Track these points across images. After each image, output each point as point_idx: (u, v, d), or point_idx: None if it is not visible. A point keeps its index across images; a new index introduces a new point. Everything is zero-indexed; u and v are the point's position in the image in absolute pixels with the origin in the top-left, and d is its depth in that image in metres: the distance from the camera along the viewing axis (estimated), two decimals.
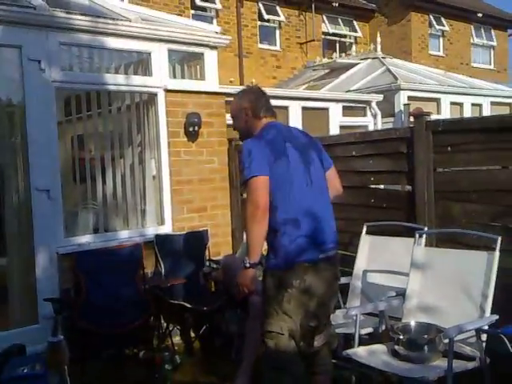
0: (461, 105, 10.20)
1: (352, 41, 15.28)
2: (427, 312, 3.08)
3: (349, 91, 9.66)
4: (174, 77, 5.05)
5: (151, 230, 4.74)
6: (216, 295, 4.38)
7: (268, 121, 2.81)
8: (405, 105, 9.18)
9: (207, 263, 4.72)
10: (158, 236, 4.63)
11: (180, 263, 4.61)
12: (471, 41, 16.56)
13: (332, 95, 8.49)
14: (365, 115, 8.94)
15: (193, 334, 4.58)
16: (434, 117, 9.33)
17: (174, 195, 4.83)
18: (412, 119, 9.25)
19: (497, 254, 2.88)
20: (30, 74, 4.04)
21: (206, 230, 4.87)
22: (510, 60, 17.79)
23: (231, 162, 5.18)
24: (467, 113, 10.23)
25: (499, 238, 2.89)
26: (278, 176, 2.58)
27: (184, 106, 4.86)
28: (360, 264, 3.91)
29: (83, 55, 4.72)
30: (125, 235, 4.61)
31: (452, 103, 10.03)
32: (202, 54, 5.10)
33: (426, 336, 2.85)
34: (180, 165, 4.86)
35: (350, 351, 2.86)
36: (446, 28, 15.79)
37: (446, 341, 2.70)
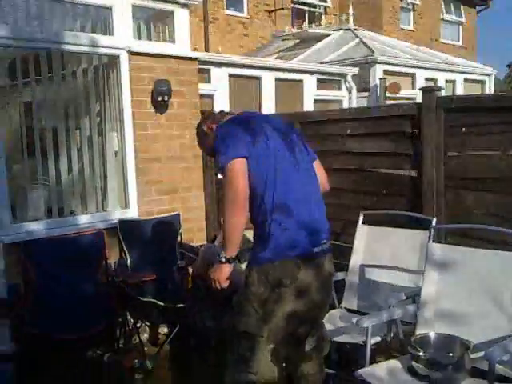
0: (435, 81, 9.92)
1: (321, 11, 14.69)
2: (447, 321, 2.63)
3: (322, 63, 9.14)
4: (140, 38, 4.38)
5: (114, 215, 4.11)
6: (192, 290, 3.82)
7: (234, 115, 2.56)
8: (380, 79, 8.77)
9: (179, 252, 4.15)
10: (122, 221, 4.02)
11: (149, 253, 4.02)
12: (441, 16, 16.25)
13: (307, 66, 7.94)
14: (339, 89, 8.50)
15: (165, 330, 4.05)
16: (407, 92, 9.28)
17: (140, 175, 4.21)
18: (388, 94, 8.99)
19: None
20: None
21: (178, 215, 4.29)
22: (478, 38, 17.65)
23: None
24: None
25: None
26: (259, 157, 2.25)
27: (151, 72, 4.21)
28: (357, 258, 3.44)
29: (31, 8, 3.97)
30: (83, 220, 3.97)
31: (426, 79, 9.72)
32: (172, 12, 4.45)
33: (451, 354, 2.41)
34: (147, 140, 4.23)
35: (364, 372, 2.38)
36: (417, 1, 15.39)
37: (473, 356, 2.28)
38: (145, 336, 4.03)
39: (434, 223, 3.15)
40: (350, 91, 8.53)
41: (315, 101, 8.01)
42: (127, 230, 4.00)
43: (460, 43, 17.00)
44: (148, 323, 4.02)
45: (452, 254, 2.73)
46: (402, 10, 15.10)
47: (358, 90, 8.57)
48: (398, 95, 8.86)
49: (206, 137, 2.55)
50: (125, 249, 3.94)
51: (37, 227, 3.73)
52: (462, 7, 16.84)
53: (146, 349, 3.80)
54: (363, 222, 3.50)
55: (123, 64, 4.11)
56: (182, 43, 4.48)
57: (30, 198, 3.94)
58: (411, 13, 15.47)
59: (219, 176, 2.28)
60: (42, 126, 4.01)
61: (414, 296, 2.93)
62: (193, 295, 3.64)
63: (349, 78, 8.39)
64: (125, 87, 4.12)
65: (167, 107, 4.30)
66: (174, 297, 3.62)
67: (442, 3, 16.19)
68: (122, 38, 4.09)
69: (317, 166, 2.56)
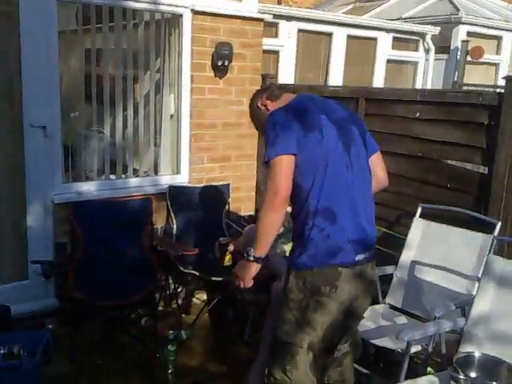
0: None
1: None
2: (496, 342, 2.42)
3: (400, 19, 8.52)
4: None
5: (164, 180, 4.06)
6: (232, 266, 3.76)
7: (292, 95, 2.33)
8: (463, 41, 8.07)
9: (225, 223, 4.08)
10: (171, 187, 3.96)
11: (195, 221, 3.97)
12: None
13: (382, 24, 7.40)
14: (417, 50, 7.93)
15: (204, 297, 4.06)
16: (491, 57, 8.54)
17: (194, 140, 4.10)
18: (470, 59, 8.32)
19: None
20: None
21: (228, 184, 4.18)
22: None
23: None
24: None
25: None
26: (310, 153, 2.08)
27: (214, 33, 4.00)
28: (408, 253, 3.24)
29: None
30: (134, 184, 3.94)
31: None
32: None
33: (495, 382, 2.22)
34: (203, 105, 4.08)
35: None
36: None
37: None
38: (185, 301, 4.06)
39: (498, 228, 2.91)
40: (427, 52, 7.95)
41: (388, 61, 7.53)
42: (176, 196, 3.94)
43: None
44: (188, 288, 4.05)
45: None
46: None
47: (437, 52, 7.98)
48: (480, 60, 8.20)
49: (259, 112, 2.37)
50: (172, 215, 3.90)
51: (87, 188, 3.73)
52: None
53: (183, 315, 3.83)
54: (421, 216, 3.28)
55: (186, 24, 3.91)
56: (248, 2, 4.22)
57: (84, 150, 3.92)
58: None
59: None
60: (101, 73, 3.91)
61: (464, 306, 2.74)
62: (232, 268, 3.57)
63: (428, 37, 7.79)
64: (185, 49, 3.95)
65: (227, 71, 4.11)
66: (215, 270, 3.58)
67: None
68: None
69: (376, 160, 2.35)
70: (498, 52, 8.76)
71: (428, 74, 8.01)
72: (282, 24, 6.33)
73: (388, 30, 7.39)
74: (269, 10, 5.25)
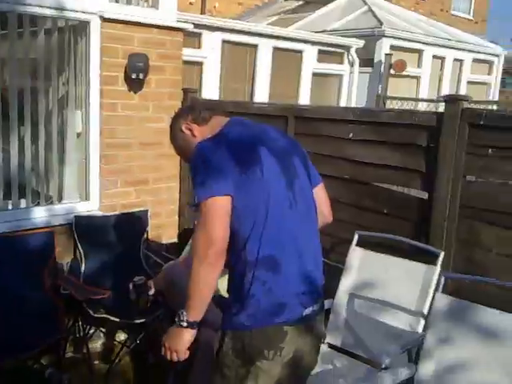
0: (443, 59, 9.32)
1: None
2: None
3: (325, 31, 8.43)
4: (117, 0, 3.71)
5: (70, 208, 3.55)
6: (152, 308, 3.32)
7: (223, 118, 1.93)
8: (386, 55, 8.10)
9: (143, 254, 3.63)
10: (78, 217, 3.46)
11: (108, 255, 3.49)
12: None
13: (308, 36, 7.24)
14: (341, 62, 7.86)
15: (122, 338, 3.59)
16: (412, 70, 8.64)
17: (105, 162, 3.63)
18: (393, 72, 8.35)
19: None
20: None
21: (146, 211, 3.74)
22: (490, 10, 16.77)
23: None
24: (448, 68, 9.33)
25: None
26: (248, 194, 1.72)
27: (127, 43, 3.57)
28: (346, 284, 2.94)
29: None
30: (33, 214, 3.41)
31: (434, 56, 9.09)
32: None
33: None
34: (116, 122, 3.63)
35: None
36: None
37: None
38: (98, 343, 3.58)
39: (441, 259, 2.68)
40: (352, 65, 7.91)
41: (314, 74, 7.39)
42: (84, 227, 3.44)
43: (470, 16, 16.14)
44: (102, 330, 3.57)
45: (462, 308, 2.25)
46: None
47: (361, 65, 7.95)
48: (402, 73, 8.26)
49: (182, 136, 1.97)
50: (80, 250, 3.40)
51: None
52: None
53: (96, 362, 3.34)
54: (358, 244, 3.00)
55: (94, 32, 3.45)
56: (167, 9, 3.82)
57: None
58: None
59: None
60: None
61: (411, 348, 2.48)
62: (152, 312, 3.14)
63: (352, 50, 7.76)
64: (94, 60, 3.48)
65: (143, 85, 3.68)
66: (133, 311, 3.13)
67: None
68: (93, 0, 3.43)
69: (321, 194, 2.02)
70: (419, 65, 8.90)
71: (353, 87, 7.98)
72: (206, 34, 5.98)
73: (314, 43, 7.27)
74: (190, 19, 4.89)
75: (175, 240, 4.03)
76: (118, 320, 3.11)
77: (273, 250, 1.73)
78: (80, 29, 3.50)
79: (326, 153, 3.28)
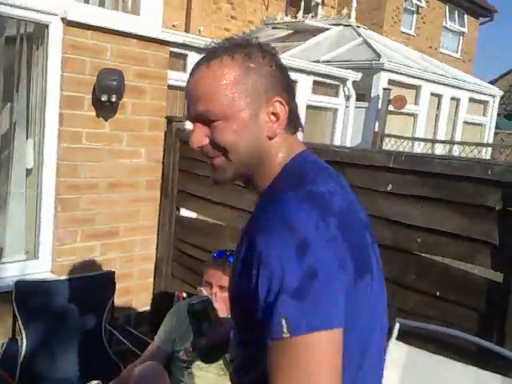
0: (440, 97, 8.82)
1: (319, 1, 13.26)
2: None
3: (317, 62, 7.81)
4: (87, 1, 2.92)
5: (11, 270, 2.66)
6: None
7: (296, 143, 1.07)
8: (385, 89, 7.51)
9: (106, 331, 2.75)
10: (20, 283, 2.55)
11: (57, 334, 2.59)
12: (443, 23, 15.06)
13: (304, 64, 6.58)
14: (336, 95, 7.22)
15: None
16: (410, 107, 8.06)
17: (62, 208, 2.76)
18: (391, 108, 7.75)
19: None
20: None
21: (112, 272, 2.86)
22: (478, 51, 16.63)
23: (168, 156, 3.16)
24: (445, 106, 8.84)
25: None
26: (355, 316, 0.97)
27: (97, 55, 2.76)
28: None
29: None
30: None
31: (432, 94, 8.59)
32: None
33: None
34: (78, 156, 2.78)
35: None
36: (423, 4, 14.13)
37: None
38: None
39: None
40: (347, 99, 7.28)
41: (308, 106, 6.70)
42: (28, 296, 2.54)
43: (458, 55, 15.90)
44: None
45: None
46: (405, 12, 13.82)
47: (357, 99, 7.36)
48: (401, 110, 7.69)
49: (252, 101, 0.98)
50: (20, 326, 2.50)
51: None
52: (465, 16, 15.67)
53: None
54: (400, 336, 2.20)
55: (53, 38, 2.64)
56: (150, 17, 3.04)
57: None
58: (414, 16, 14.19)
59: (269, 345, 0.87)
60: None
61: None
62: None
63: (349, 83, 7.13)
64: (52, 75, 2.66)
65: (116, 110, 2.87)
66: None
67: (447, 9, 14.98)
68: None
69: None
70: (416, 102, 8.36)
71: (348, 123, 7.34)
72: (192, 55, 5.23)
73: (309, 73, 6.61)
74: (175, 37, 4.15)
75: (148, 308, 3.16)
76: None
77: None
78: (37, 33, 2.69)
79: None
